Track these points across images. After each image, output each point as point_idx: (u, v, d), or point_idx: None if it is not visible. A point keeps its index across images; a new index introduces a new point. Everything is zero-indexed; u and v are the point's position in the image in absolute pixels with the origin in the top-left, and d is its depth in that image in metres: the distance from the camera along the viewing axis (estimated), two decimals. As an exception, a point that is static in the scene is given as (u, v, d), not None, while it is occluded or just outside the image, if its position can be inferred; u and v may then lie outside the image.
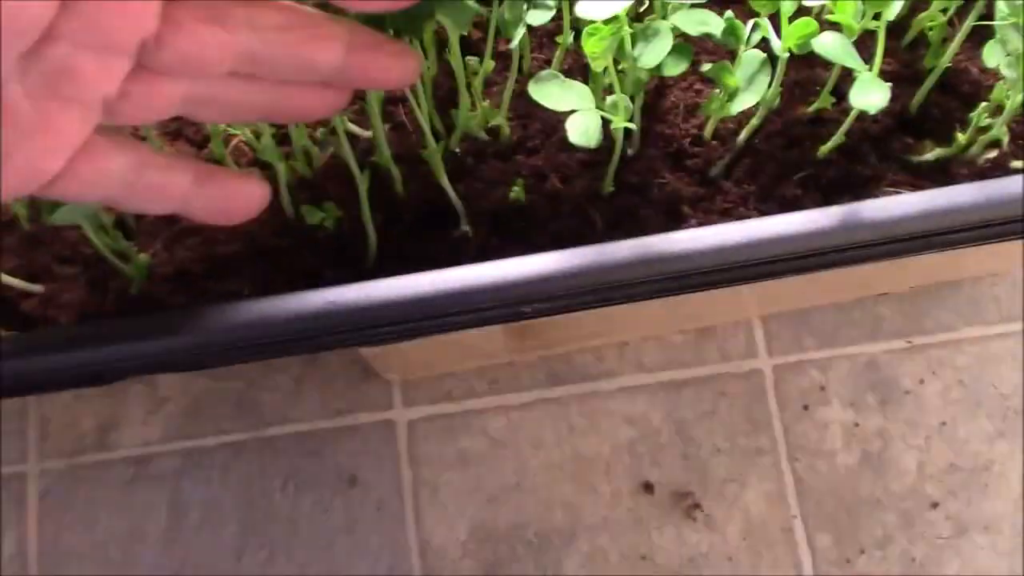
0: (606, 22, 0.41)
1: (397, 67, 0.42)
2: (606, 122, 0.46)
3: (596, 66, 0.42)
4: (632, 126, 0.46)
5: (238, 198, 0.44)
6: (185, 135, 0.55)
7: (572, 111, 0.45)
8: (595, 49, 0.41)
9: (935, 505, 0.94)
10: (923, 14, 0.55)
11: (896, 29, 0.57)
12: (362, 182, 0.49)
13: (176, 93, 0.39)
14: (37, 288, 0.51)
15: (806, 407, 0.96)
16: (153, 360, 0.48)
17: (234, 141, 0.54)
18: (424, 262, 0.52)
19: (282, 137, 0.54)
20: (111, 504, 0.92)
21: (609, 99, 0.46)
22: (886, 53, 0.56)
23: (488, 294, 0.48)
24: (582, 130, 0.43)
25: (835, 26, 0.46)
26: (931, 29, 0.53)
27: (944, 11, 0.52)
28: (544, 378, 0.96)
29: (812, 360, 0.98)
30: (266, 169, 0.53)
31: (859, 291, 0.97)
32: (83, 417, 0.95)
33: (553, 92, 0.45)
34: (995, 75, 0.51)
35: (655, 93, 0.56)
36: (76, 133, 0.36)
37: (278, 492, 0.95)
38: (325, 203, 0.52)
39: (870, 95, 0.44)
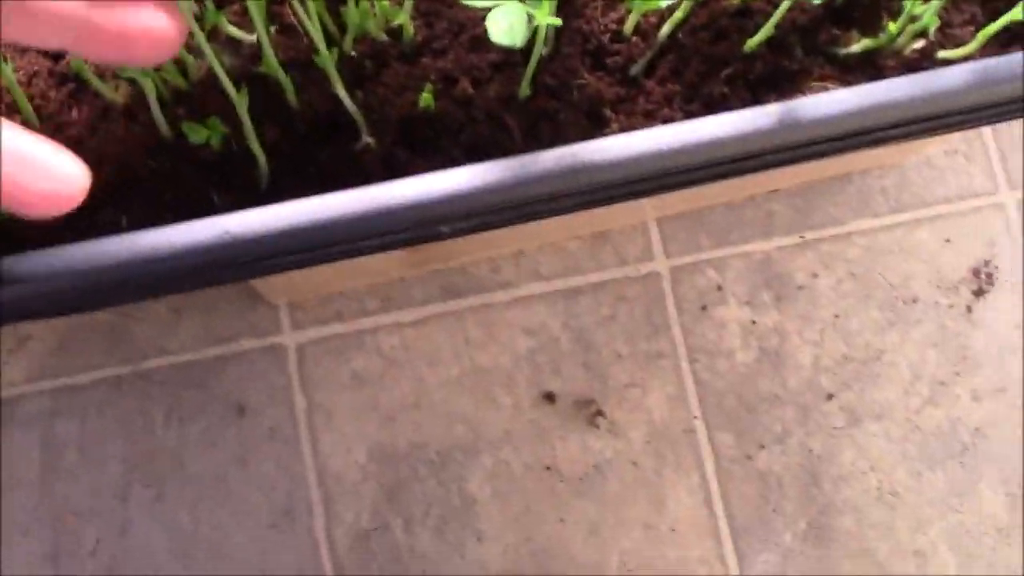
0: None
1: None
2: (528, 18, 0.41)
3: (519, -46, 0.37)
4: (557, 21, 0.41)
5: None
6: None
7: (491, 7, 0.40)
8: (518, -66, 0.37)
9: (830, 397, 0.95)
10: None
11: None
12: (241, 98, 0.43)
13: None
14: None
15: (704, 307, 0.95)
16: (18, 307, 0.41)
17: (95, 49, 0.47)
18: (324, 180, 0.47)
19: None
20: (-25, 453, 0.85)
21: (530, -8, 0.41)
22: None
23: (403, 215, 0.43)
24: (506, 28, 0.39)
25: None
26: (860, -89, 0.50)
27: None
28: (438, 292, 0.92)
29: (708, 260, 0.97)
30: (133, 84, 0.46)
31: (751, 189, 0.96)
32: (-64, 362, 0.86)
33: (470, -15, 0.40)
34: (923, -40, 0.48)
35: (570, -15, 0.51)
36: None
37: (160, 427, 0.89)
38: (209, 119, 0.45)
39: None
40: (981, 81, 0.45)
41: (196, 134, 0.44)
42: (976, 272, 0.99)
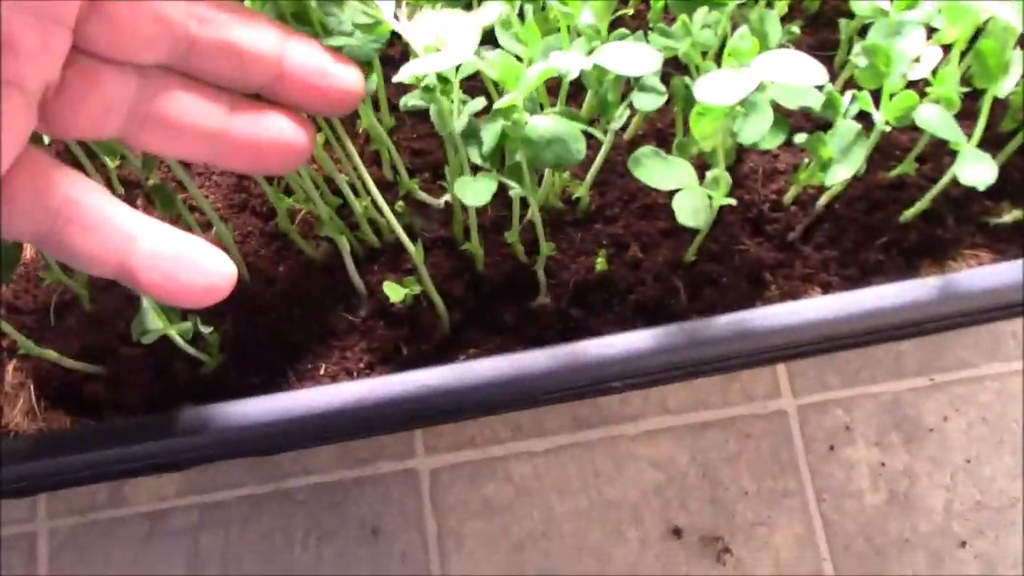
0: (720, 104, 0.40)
1: (341, 84, 0.39)
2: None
3: (705, 145, 0.41)
4: (732, 202, 0.45)
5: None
6: (251, 207, 0.53)
7: (675, 189, 0.43)
8: (705, 132, 0.40)
9: (963, 544, 0.93)
10: (1004, 77, 0.54)
11: (972, 91, 0.57)
12: (418, 252, 0.47)
13: (116, 93, 0.35)
14: (98, 370, 0.49)
15: (832, 447, 0.96)
16: (225, 449, 0.46)
17: (300, 214, 0.52)
18: (503, 333, 0.51)
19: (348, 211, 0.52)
20: (127, 562, 0.89)
21: (709, 175, 0.44)
22: (969, 115, 0.56)
23: (582, 374, 0.46)
24: (691, 210, 0.42)
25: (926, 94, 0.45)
26: (1013, 93, 0.53)
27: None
28: (568, 422, 0.95)
29: (836, 399, 0.97)
30: (331, 243, 0.51)
31: (882, 329, 0.97)
32: (97, 474, 0.91)
33: (655, 170, 0.44)
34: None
35: (734, 159, 0.55)
36: (22, 125, 0.32)
37: (299, 545, 0.92)
38: (407, 279, 0.50)
39: (977, 170, 0.43)
40: None
41: (395, 293, 0.48)
42: (1113, 421, 0.97)
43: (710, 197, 0.44)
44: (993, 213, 0.54)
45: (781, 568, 0.92)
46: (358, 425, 0.45)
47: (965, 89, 0.52)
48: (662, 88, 0.43)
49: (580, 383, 0.46)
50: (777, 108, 0.48)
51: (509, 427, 0.94)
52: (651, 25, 0.45)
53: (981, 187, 0.44)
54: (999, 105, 0.56)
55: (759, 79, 0.39)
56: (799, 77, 0.39)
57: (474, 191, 0.42)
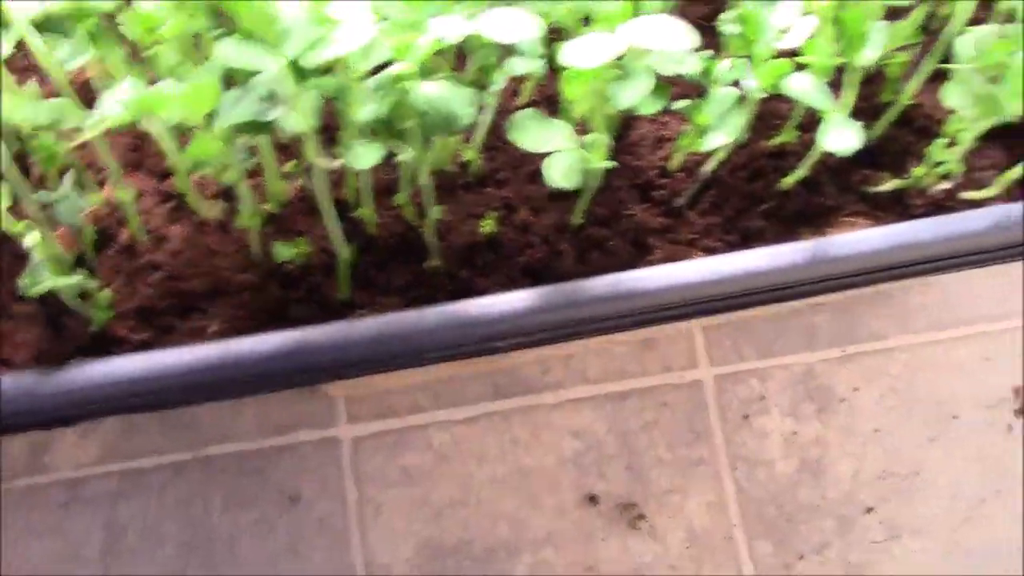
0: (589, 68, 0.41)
1: None
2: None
3: (576, 109, 0.42)
4: (610, 164, 0.46)
5: None
6: (146, 166, 0.53)
7: (550, 151, 0.45)
8: (575, 94, 0.41)
9: (870, 510, 0.96)
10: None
11: (855, 62, 0.58)
12: (331, 217, 0.48)
13: None
14: (-12, 326, 0.49)
15: (746, 416, 0.98)
16: (112, 404, 0.46)
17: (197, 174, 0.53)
18: (396, 294, 0.52)
19: (251, 172, 0.52)
20: (45, 529, 0.89)
21: (587, 138, 0.46)
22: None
23: (465, 332, 0.47)
24: (563, 171, 0.43)
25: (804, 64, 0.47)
26: (888, 66, 0.54)
27: (903, 49, 0.54)
28: (488, 391, 0.96)
29: (751, 370, 0.99)
30: (230, 200, 0.51)
31: (794, 301, 1.00)
32: (13, 439, 0.91)
33: (532, 132, 0.45)
34: (948, 110, 0.52)
35: (623, 125, 0.56)
36: None
37: (217, 512, 0.92)
38: (296, 238, 0.51)
39: (841, 136, 0.45)
40: (998, 225, 0.48)
41: (284, 252, 0.49)
42: (1017, 391, 1.01)
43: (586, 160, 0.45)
44: (873, 182, 0.56)
45: (693, 534, 0.94)
46: (242, 381, 0.45)
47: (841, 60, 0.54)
48: (537, 52, 0.44)
49: (463, 342, 0.47)
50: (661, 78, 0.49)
51: (430, 395, 0.96)
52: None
53: (845, 153, 0.46)
54: (878, 78, 0.58)
55: (625, 43, 0.40)
56: (668, 42, 0.40)
57: (363, 155, 0.43)
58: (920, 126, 0.56)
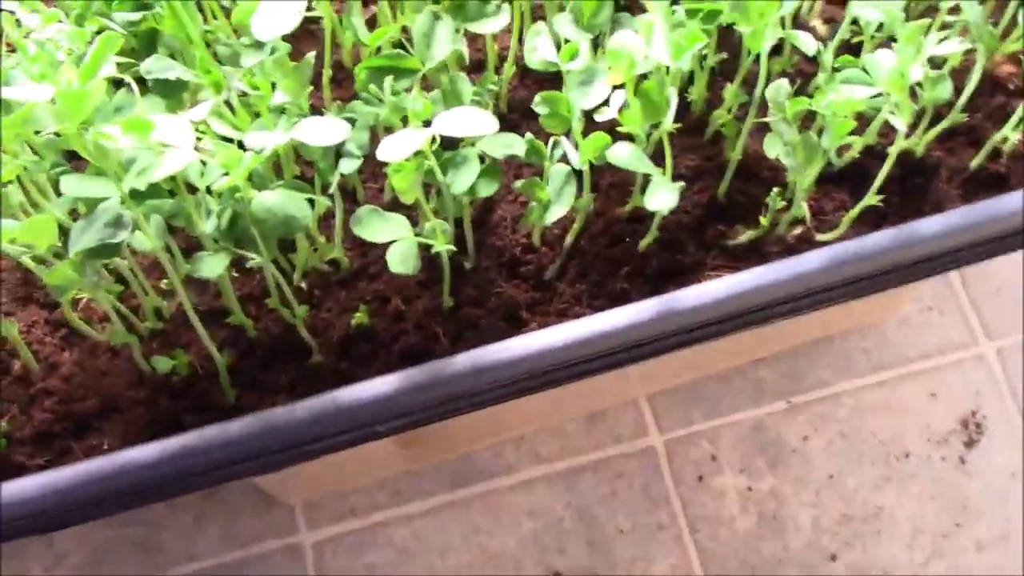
0: (408, 160, 0.45)
1: None
2: (430, 246, 0.49)
3: (405, 199, 0.46)
4: (452, 248, 0.49)
5: None
6: (35, 299, 0.56)
7: (391, 241, 0.48)
8: (402, 185, 0.45)
9: (833, 557, 0.97)
10: (717, 111, 0.59)
11: (699, 126, 0.62)
12: (199, 327, 0.50)
13: None
14: None
15: (700, 478, 0.99)
16: (19, 527, 0.48)
17: (83, 301, 0.56)
18: (282, 392, 0.55)
19: (131, 295, 0.56)
20: (17, 668, 0.90)
21: (427, 226, 0.49)
22: (692, 149, 0.61)
23: (338, 420, 0.50)
24: (400, 258, 0.46)
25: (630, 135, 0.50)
26: (724, 125, 0.58)
27: (729, 110, 0.57)
28: (445, 481, 0.98)
29: (701, 431, 1.01)
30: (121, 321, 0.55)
31: (736, 359, 1.02)
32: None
33: (374, 226, 0.48)
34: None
35: (483, 208, 0.59)
36: None
37: (188, 632, 0.94)
38: (175, 351, 0.54)
39: (661, 197, 0.48)
40: (832, 264, 0.51)
41: (163, 365, 0.52)
42: (965, 423, 1.02)
43: (430, 245, 0.48)
44: (730, 236, 0.58)
45: (661, 601, 0.95)
46: (128, 494, 0.48)
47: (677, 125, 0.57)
48: (358, 153, 0.48)
49: (339, 430, 0.50)
50: (498, 161, 0.53)
51: (388, 492, 0.97)
52: (358, 94, 0.49)
53: (664, 211, 0.49)
54: (722, 137, 0.61)
55: (430, 135, 0.43)
56: (471, 130, 0.44)
57: (210, 265, 0.46)
58: (765, 177, 0.59)
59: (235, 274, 0.57)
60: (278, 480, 0.86)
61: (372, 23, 0.61)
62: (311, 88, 0.59)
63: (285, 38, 0.47)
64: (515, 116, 0.61)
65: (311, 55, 0.48)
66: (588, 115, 0.49)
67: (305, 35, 0.64)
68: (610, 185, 0.60)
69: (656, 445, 1.01)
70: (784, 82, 0.49)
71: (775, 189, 0.55)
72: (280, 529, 0.96)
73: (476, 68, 0.63)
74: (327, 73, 0.58)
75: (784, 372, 1.03)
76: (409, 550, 0.96)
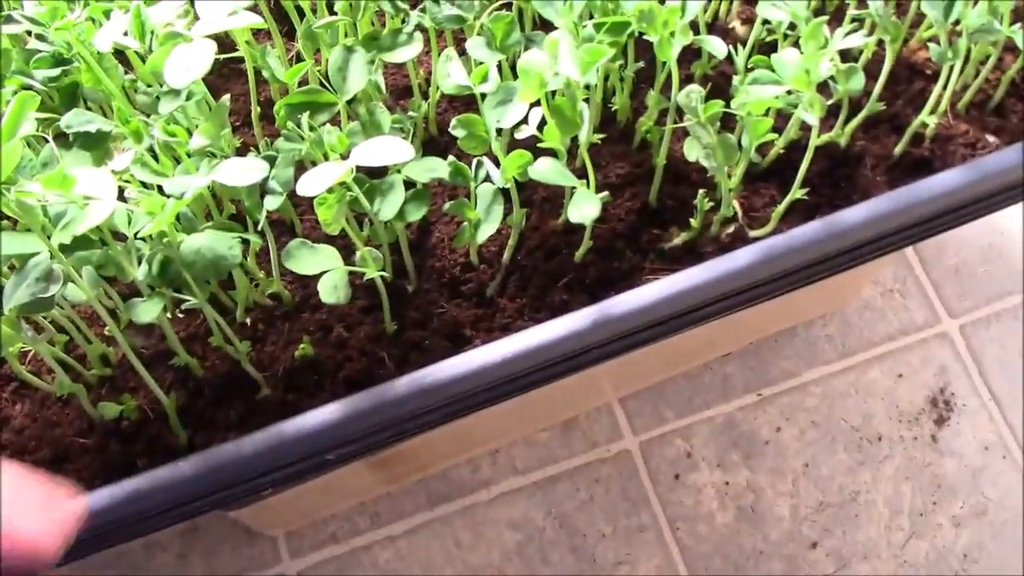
0: (330, 191, 0.46)
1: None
2: (361, 275, 0.50)
3: (331, 230, 0.46)
4: (384, 275, 0.50)
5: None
6: (-19, 357, 0.57)
7: (323, 272, 0.49)
8: (326, 217, 0.46)
9: (814, 545, 0.98)
10: (641, 119, 0.60)
11: (627, 134, 0.63)
12: (142, 371, 0.51)
13: None
14: None
15: (677, 476, 1.00)
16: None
17: (31, 354, 0.57)
18: (233, 429, 0.55)
19: (77, 344, 0.56)
20: None
21: (357, 255, 0.50)
22: (620, 157, 0.62)
23: (285, 452, 0.51)
24: (331, 288, 0.47)
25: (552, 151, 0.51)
26: (648, 132, 0.59)
27: (653, 117, 0.58)
28: (424, 500, 0.98)
29: (674, 430, 1.02)
30: (67, 371, 0.55)
31: (702, 356, 1.03)
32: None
33: (304, 258, 0.49)
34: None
35: (421, 231, 0.60)
36: None
37: (177, 673, 0.94)
38: (123, 396, 0.54)
39: (584, 208, 0.49)
40: (762, 259, 0.52)
41: (109, 411, 0.52)
42: (934, 401, 1.03)
43: (362, 274, 0.49)
44: (665, 239, 0.59)
45: (647, 602, 0.96)
46: (83, 539, 0.48)
47: (602, 136, 0.58)
48: (280, 189, 0.49)
49: (289, 461, 0.50)
50: (427, 186, 0.53)
51: (368, 516, 0.98)
52: (282, 132, 0.50)
53: (587, 222, 0.50)
54: (649, 144, 0.62)
55: (349, 167, 0.44)
56: (389, 158, 0.45)
57: (144, 310, 0.47)
58: (694, 180, 0.60)
59: (180, 315, 0.58)
60: (253, 513, 0.86)
61: (299, 59, 0.62)
62: (242, 127, 0.60)
63: (214, 80, 0.48)
64: (445, 139, 0.62)
65: (226, 98, 0.49)
66: (511, 133, 0.50)
67: (236, 74, 0.65)
68: (543, 199, 0.61)
69: (631, 447, 1.01)
70: (695, 87, 0.50)
71: (702, 191, 0.56)
72: (263, 561, 0.96)
73: (405, 94, 0.64)
74: (256, 111, 0.59)
75: (752, 366, 1.04)
76: (393, 571, 0.96)
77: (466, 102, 0.62)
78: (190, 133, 0.46)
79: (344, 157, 0.46)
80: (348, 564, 0.97)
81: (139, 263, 0.47)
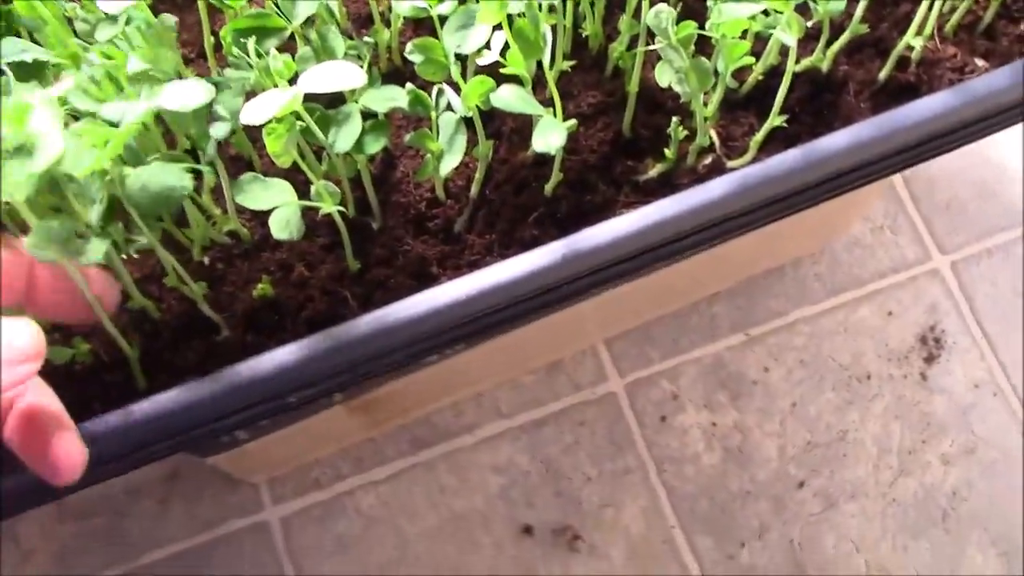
0: (279, 121, 0.43)
1: None
2: (325, 213, 0.48)
3: (281, 163, 0.44)
4: (340, 208, 0.48)
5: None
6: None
7: (275, 207, 0.46)
8: (274, 148, 0.43)
9: (801, 484, 0.97)
10: (612, 44, 0.58)
11: (599, 61, 0.60)
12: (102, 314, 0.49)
13: None
14: None
15: (663, 418, 0.99)
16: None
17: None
18: (193, 372, 0.54)
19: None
20: (-6, 669, 0.90)
21: (313, 188, 0.47)
22: (593, 86, 0.60)
23: (242, 395, 0.49)
24: (283, 224, 0.45)
25: (516, 77, 0.49)
26: (620, 58, 0.56)
27: (625, 42, 0.55)
28: (407, 445, 0.97)
29: (660, 371, 1.00)
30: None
31: (688, 295, 1.01)
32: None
33: (256, 193, 0.47)
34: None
35: (385, 166, 0.58)
36: None
37: (161, 618, 0.93)
38: (75, 339, 0.52)
39: (549, 137, 0.47)
40: (737, 189, 0.50)
41: (59, 355, 0.50)
42: (923, 339, 1.01)
43: (317, 208, 0.47)
44: (640, 171, 0.57)
45: (633, 544, 0.95)
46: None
47: (572, 63, 0.56)
48: (228, 116, 0.46)
49: (246, 404, 0.49)
50: (387, 116, 0.51)
51: (350, 461, 0.97)
52: (229, 59, 0.48)
53: (552, 151, 0.47)
54: (623, 72, 0.60)
55: (295, 93, 0.42)
56: (340, 84, 0.42)
57: (92, 249, 0.45)
58: (670, 108, 0.58)
59: (137, 256, 0.56)
60: (233, 460, 0.85)
61: (256, -15, 0.59)
62: (196, 59, 0.58)
63: (168, 9, 0.46)
64: (410, 69, 0.59)
65: (168, 16, 0.47)
66: (474, 61, 0.48)
67: (190, 2, 0.62)
68: (512, 131, 0.58)
69: (616, 389, 1.00)
70: (663, 7, 0.47)
71: (676, 119, 0.53)
72: (246, 507, 0.95)
73: (368, 23, 0.61)
74: (209, 40, 0.56)
75: (739, 305, 1.02)
76: (376, 516, 0.95)
77: (431, 29, 0.60)
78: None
79: (292, 84, 0.44)
80: (331, 509, 0.96)
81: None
